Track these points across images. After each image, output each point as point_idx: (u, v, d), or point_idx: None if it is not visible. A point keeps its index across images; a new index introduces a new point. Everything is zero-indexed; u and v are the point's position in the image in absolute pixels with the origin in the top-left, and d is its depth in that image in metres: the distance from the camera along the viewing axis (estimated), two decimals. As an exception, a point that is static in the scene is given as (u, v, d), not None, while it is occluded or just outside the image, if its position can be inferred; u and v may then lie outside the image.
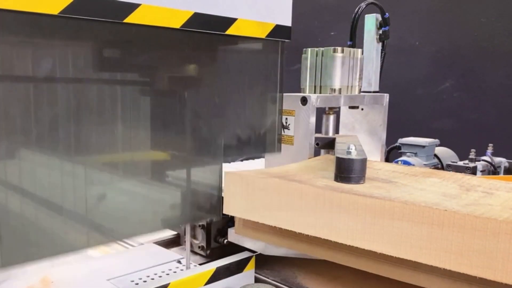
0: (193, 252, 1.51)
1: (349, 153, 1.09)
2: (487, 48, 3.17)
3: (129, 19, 0.87)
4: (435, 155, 2.51)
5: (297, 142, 1.40)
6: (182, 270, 1.34)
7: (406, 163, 2.28)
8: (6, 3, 0.73)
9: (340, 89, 1.47)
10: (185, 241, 1.52)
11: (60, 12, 0.79)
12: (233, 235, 1.38)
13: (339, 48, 1.46)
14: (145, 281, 1.28)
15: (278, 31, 1.17)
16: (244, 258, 1.25)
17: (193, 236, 1.52)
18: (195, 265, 1.36)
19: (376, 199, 0.93)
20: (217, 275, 1.16)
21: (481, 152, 2.39)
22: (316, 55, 1.47)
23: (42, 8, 0.77)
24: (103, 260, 1.51)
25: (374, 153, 1.69)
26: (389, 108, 1.75)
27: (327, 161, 1.29)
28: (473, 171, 2.07)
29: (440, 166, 2.48)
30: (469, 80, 3.29)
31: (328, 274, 1.27)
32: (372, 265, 1.03)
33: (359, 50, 1.56)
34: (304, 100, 1.36)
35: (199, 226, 1.49)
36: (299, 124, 1.39)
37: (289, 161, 1.37)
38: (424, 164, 2.35)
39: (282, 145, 1.43)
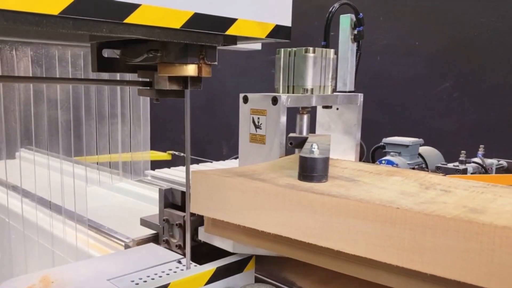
0: (170, 250, 1.54)
1: (312, 152, 1.10)
2: (487, 48, 3.17)
3: (129, 19, 0.87)
4: (420, 155, 2.53)
5: (268, 141, 1.43)
6: (182, 270, 1.34)
7: (389, 162, 2.30)
8: (6, 3, 0.73)
9: (312, 89, 1.49)
10: (163, 240, 1.57)
11: (60, 13, 0.78)
12: (203, 234, 1.40)
13: (311, 49, 1.47)
14: (145, 281, 1.28)
15: (278, 31, 1.17)
16: (244, 258, 1.25)
17: (171, 235, 1.54)
18: (195, 265, 1.36)
19: (332, 197, 0.95)
20: (217, 275, 1.16)
21: (471, 152, 2.40)
22: (289, 55, 1.48)
23: (42, 8, 0.77)
24: (103, 260, 1.51)
25: (348, 152, 1.71)
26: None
27: (296, 160, 1.28)
28: (463, 173, 2.06)
29: (425, 165, 2.50)
30: (469, 80, 3.28)
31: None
32: (332, 263, 1.05)
33: (332, 50, 1.57)
34: (274, 100, 1.38)
35: (176, 225, 1.51)
36: (271, 123, 1.41)
37: (261, 160, 1.39)
38: (408, 164, 2.37)
39: (255, 144, 1.46)
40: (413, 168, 2.35)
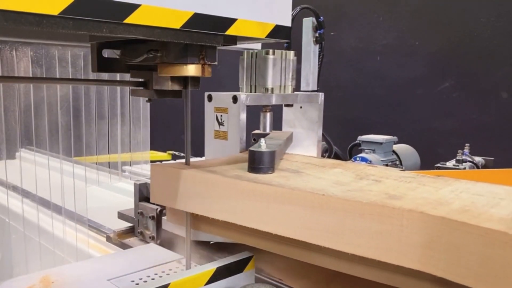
0: (145, 242, 1.61)
1: (259, 146, 1.22)
2: (487, 48, 3.17)
3: (129, 20, 0.87)
4: (394, 152, 2.61)
5: (230, 137, 1.53)
6: (182, 270, 1.34)
7: (363, 159, 2.40)
8: (6, 3, 0.73)
9: (272, 89, 1.58)
10: (138, 232, 1.63)
11: (60, 13, 0.78)
12: (165, 223, 1.50)
13: (271, 50, 1.57)
14: (145, 281, 1.28)
15: (278, 31, 1.17)
16: (244, 258, 1.25)
17: (145, 227, 1.60)
18: (195, 265, 1.36)
19: (270, 186, 1.06)
20: (217, 275, 1.16)
21: (473, 152, 2.41)
22: (251, 57, 1.58)
23: (42, 8, 0.77)
24: (103, 260, 1.51)
25: (311, 148, 1.82)
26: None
27: None
28: None
29: (399, 162, 2.60)
30: (469, 80, 3.29)
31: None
32: (274, 246, 1.15)
33: (292, 52, 1.65)
34: (235, 99, 1.48)
35: (150, 217, 1.57)
36: (231, 120, 1.52)
37: (223, 155, 1.49)
38: (382, 160, 2.46)
39: (218, 140, 1.57)
40: (386, 165, 2.46)
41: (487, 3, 3.13)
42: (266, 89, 1.57)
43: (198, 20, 0.99)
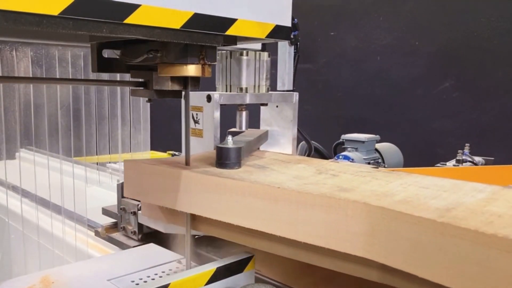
0: (127, 237, 1.65)
1: (226, 143, 1.28)
2: (487, 48, 3.17)
3: (129, 20, 0.87)
4: (377, 150, 2.67)
5: (205, 135, 1.61)
6: (182, 270, 1.34)
7: (346, 157, 2.46)
8: (6, 3, 0.73)
9: (246, 88, 1.66)
10: (121, 227, 1.67)
11: (60, 13, 0.78)
12: (141, 217, 1.54)
13: (245, 51, 1.64)
14: (145, 281, 1.28)
15: (278, 31, 1.17)
16: (244, 258, 1.25)
17: (128, 222, 1.64)
18: (195, 265, 1.36)
19: (232, 179, 1.12)
20: (217, 275, 1.16)
21: (473, 152, 2.42)
22: (226, 58, 1.65)
23: (42, 8, 0.77)
24: (103, 260, 1.51)
25: (286, 146, 1.91)
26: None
27: None
28: None
29: (381, 160, 2.66)
30: (469, 80, 3.29)
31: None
32: (238, 237, 1.21)
33: (266, 53, 1.73)
34: (208, 98, 1.55)
35: (131, 213, 1.61)
36: (206, 119, 1.60)
37: (199, 152, 1.55)
38: (364, 158, 2.52)
39: (194, 137, 1.64)
40: (369, 163, 2.50)
41: (487, 3, 3.13)
42: (241, 89, 1.65)
43: (198, 20, 0.99)
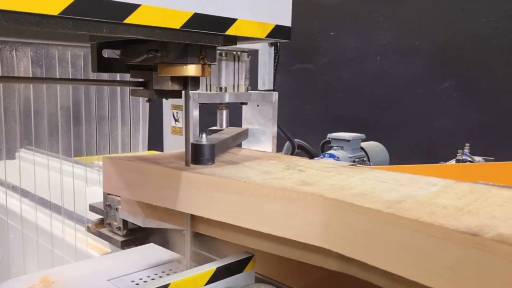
0: (112, 232, 1.69)
1: (200, 140, 1.31)
2: (487, 48, 3.17)
3: (129, 20, 0.87)
4: (362, 148, 2.73)
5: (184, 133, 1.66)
6: (182, 270, 1.34)
7: (332, 156, 2.53)
8: (6, 3, 0.73)
9: (225, 88, 1.72)
10: (107, 223, 1.71)
11: (60, 13, 0.78)
12: (121, 212, 1.57)
13: (224, 52, 1.69)
14: (145, 281, 1.28)
15: (278, 31, 1.17)
16: (244, 258, 1.25)
17: (113, 218, 1.68)
18: (195, 265, 1.36)
19: (203, 175, 1.16)
20: (217, 275, 1.16)
21: (473, 152, 2.42)
22: None
23: (42, 8, 0.77)
24: (103, 260, 1.51)
25: (266, 144, 1.98)
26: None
27: None
28: None
29: (366, 158, 2.72)
30: (469, 80, 3.29)
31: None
32: (209, 229, 1.25)
33: (245, 53, 1.78)
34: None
35: (116, 209, 1.64)
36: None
37: (179, 149, 1.59)
38: (349, 157, 2.58)
39: (174, 135, 1.70)
40: (354, 161, 2.57)
41: (487, 3, 3.13)
42: (220, 88, 1.70)
43: (198, 20, 0.99)
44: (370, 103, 3.82)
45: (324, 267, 1.05)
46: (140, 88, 1.31)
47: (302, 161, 1.39)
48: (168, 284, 1.05)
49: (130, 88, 1.37)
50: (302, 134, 3.16)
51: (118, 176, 1.35)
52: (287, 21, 1.19)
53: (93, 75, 1.65)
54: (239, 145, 1.82)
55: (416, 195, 0.99)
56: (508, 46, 3.05)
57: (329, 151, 2.61)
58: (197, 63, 1.14)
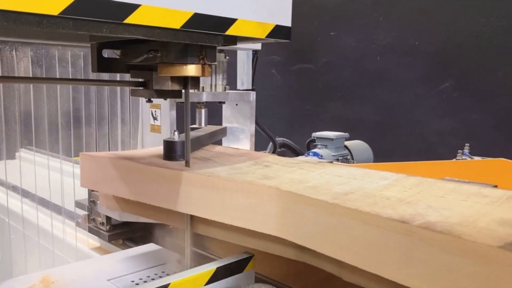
0: (96, 228, 1.74)
1: (172, 137, 1.35)
2: (487, 48, 3.17)
3: (129, 20, 0.87)
4: (346, 147, 2.80)
5: (162, 131, 1.74)
6: (182, 270, 1.34)
7: (316, 154, 2.58)
8: (6, 3, 0.73)
9: (203, 87, 1.78)
10: (91, 218, 1.76)
11: (60, 13, 0.78)
12: (100, 207, 1.63)
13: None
14: (145, 281, 1.28)
15: (278, 31, 1.17)
16: (244, 258, 1.25)
17: (97, 214, 1.72)
18: (195, 265, 1.36)
19: (173, 170, 1.21)
20: (217, 275, 1.16)
21: (473, 152, 2.42)
22: None
23: (42, 8, 0.77)
24: (103, 260, 1.51)
25: (245, 141, 2.05)
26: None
27: None
28: None
29: (350, 156, 2.80)
30: (469, 80, 3.28)
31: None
32: (174, 220, 1.31)
33: (222, 54, 1.83)
34: None
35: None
36: (163, 116, 1.74)
37: (157, 146, 1.64)
38: (333, 155, 2.65)
39: (153, 132, 1.77)
40: (337, 159, 2.65)
41: (487, 3, 3.13)
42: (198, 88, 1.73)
43: (198, 20, 0.99)
44: (370, 103, 3.82)
45: (283, 256, 1.11)
46: (140, 88, 1.31)
47: (270, 158, 1.45)
48: (168, 284, 1.06)
49: (130, 88, 1.37)
50: (302, 134, 3.16)
51: (94, 172, 1.41)
52: (287, 21, 1.19)
53: (93, 75, 1.65)
54: (219, 143, 1.86)
55: (366, 187, 1.05)
56: (508, 46, 3.05)
57: (314, 150, 2.68)
58: (197, 63, 1.14)
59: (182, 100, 1.64)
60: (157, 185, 1.24)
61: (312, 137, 2.85)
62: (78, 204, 1.88)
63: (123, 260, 1.45)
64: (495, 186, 1.09)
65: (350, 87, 3.96)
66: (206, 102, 1.81)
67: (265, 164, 1.33)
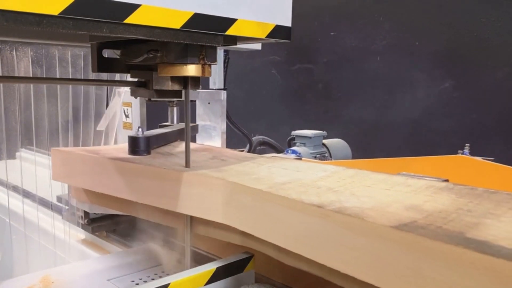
0: (80, 222, 1.78)
1: (137, 133, 1.41)
2: (487, 48, 3.17)
3: (129, 20, 0.87)
4: (324, 145, 2.87)
5: (133, 128, 1.80)
6: (182, 270, 1.34)
7: (294, 152, 2.64)
8: (6, 3, 0.73)
9: None
10: (72, 213, 1.80)
11: (60, 13, 0.79)
12: (71, 199, 1.70)
13: None
14: (145, 281, 1.28)
15: (278, 31, 1.17)
16: (244, 258, 1.25)
17: (76, 208, 1.77)
18: (195, 265, 1.36)
19: (131, 163, 1.28)
20: (217, 275, 1.16)
21: (473, 152, 2.42)
22: None
23: (42, 8, 0.77)
24: (103, 260, 1.51)
25: (216, 139, 2.14)
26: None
27: None
28: None
29: (328, 154, 2.86)
30: (469, 80, 3.28)
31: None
32: (138, 211, 1.37)
33: None
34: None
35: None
36: (135, 113, 1.83)
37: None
38: (311, 153, 2.72)
39: (124, 130, 1.85)
40: (315, 157, 2.71)
41: (487, 3, 3.13)
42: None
43: (198, 20, 0.99)
44: (370, 103, 3.81)
45: (231, 242, 1.19)
46: (140, 88, 1.31)
47: (229, 153, 1.52)
48: (168, 284, 1.06)
49: (130, 88, 1.37)
50: (302, 134, 3.16)
51: (64, 166, 1.49)
52: (287, 21, 1.19)
53: (93, 75, 1.65)
54: (194, 139, 1.95)
55: (304, 179, 1.11)
56: (508, 46, 3.05)
57: (292, 148, 2.74)
58: (197, 63, 1.14)
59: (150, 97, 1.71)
60: (118, 177, 1.30)
61: (292, 135, 2.92)
62: (58, 199, 1.95)
63: (123, 260, 1.45)
64: (446, 180, 1.13)
65: (350, 87, 3.96)
66: (178, 100, 1.87)
67: (222, 159, 1.40)
